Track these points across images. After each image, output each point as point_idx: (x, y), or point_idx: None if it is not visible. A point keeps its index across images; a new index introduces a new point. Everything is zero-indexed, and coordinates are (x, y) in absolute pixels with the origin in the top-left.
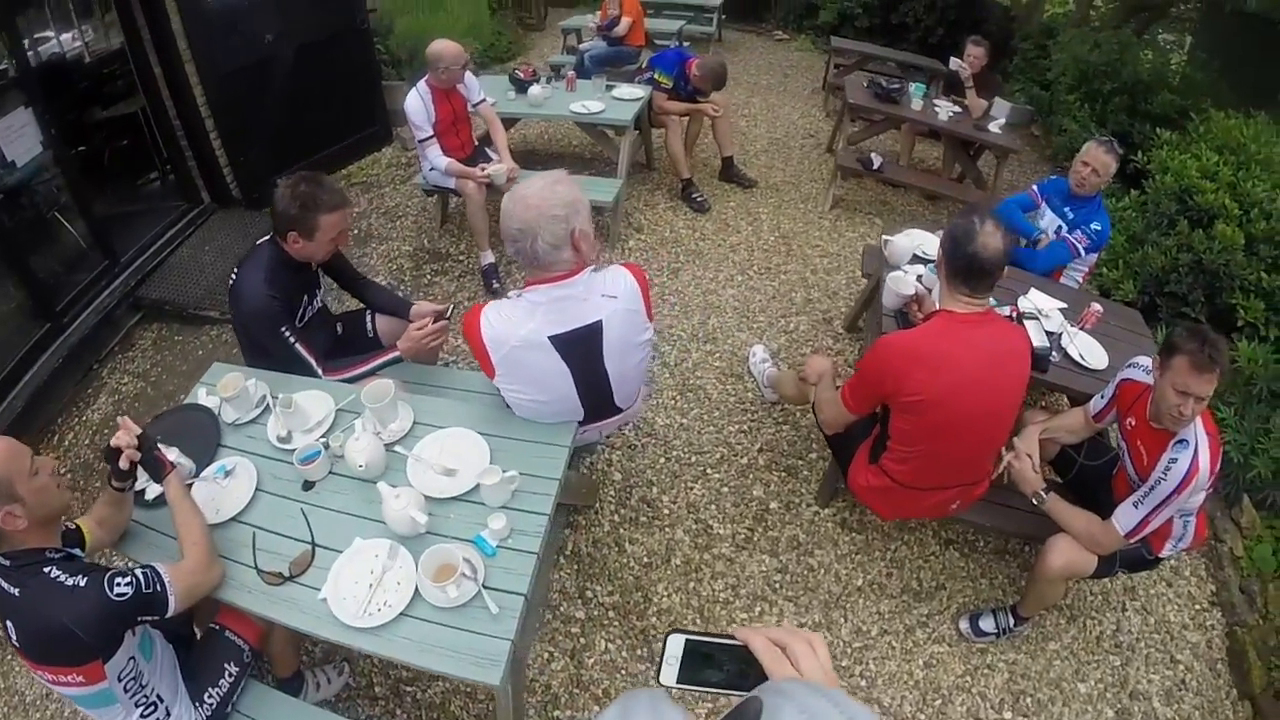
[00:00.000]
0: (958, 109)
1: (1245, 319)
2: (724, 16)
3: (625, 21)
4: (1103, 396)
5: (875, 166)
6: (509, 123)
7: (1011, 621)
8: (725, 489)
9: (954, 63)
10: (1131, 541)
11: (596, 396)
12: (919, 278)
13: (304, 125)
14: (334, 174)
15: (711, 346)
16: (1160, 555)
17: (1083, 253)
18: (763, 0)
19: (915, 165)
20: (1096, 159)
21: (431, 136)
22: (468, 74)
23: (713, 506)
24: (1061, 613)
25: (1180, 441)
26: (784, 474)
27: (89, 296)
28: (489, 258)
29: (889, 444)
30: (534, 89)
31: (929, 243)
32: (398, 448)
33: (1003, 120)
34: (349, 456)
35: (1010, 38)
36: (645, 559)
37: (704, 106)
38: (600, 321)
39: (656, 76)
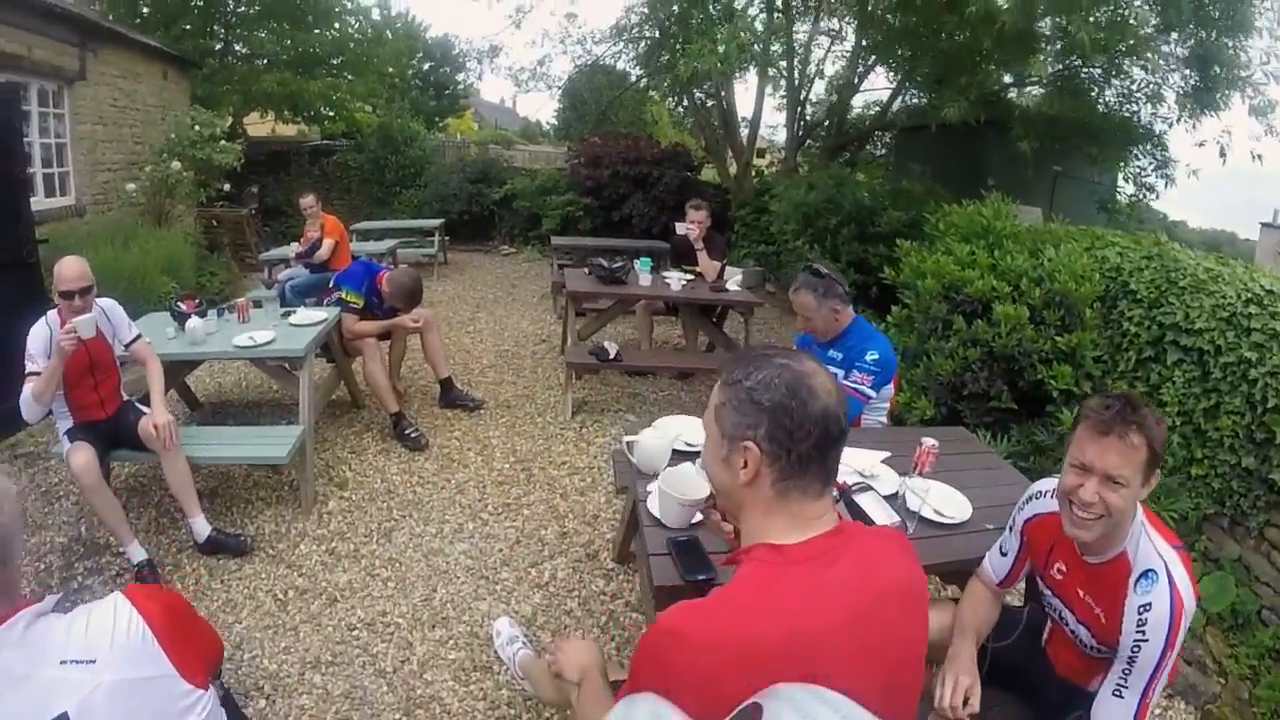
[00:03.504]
0: (690, 277)
1: (1057, 388)
2: (447, 239)
3: (327, 244)
4: (1003, 553)
5: (611, 356)
6: (182, 368)
7: None
8: None
9: (680, 227)
10: None
11: None
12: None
13: None
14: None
15: (443, 631)
16: None
17: (871, 392)
18: (486, 219)
19: (657, 347)
20: (798, 305)
21: (38, 373)
22: (115, 308)
23: None
24: None
25: (1144, 576)
26: None
27: None
28: (138, 553)
29: None
30: (193, 322)
31: (690, 429)
32: None
33: (739, 278)
34: None
35: (727, 210)
36: None
37: (401, 320)
38: (65, 715)
39: (344, 296)
